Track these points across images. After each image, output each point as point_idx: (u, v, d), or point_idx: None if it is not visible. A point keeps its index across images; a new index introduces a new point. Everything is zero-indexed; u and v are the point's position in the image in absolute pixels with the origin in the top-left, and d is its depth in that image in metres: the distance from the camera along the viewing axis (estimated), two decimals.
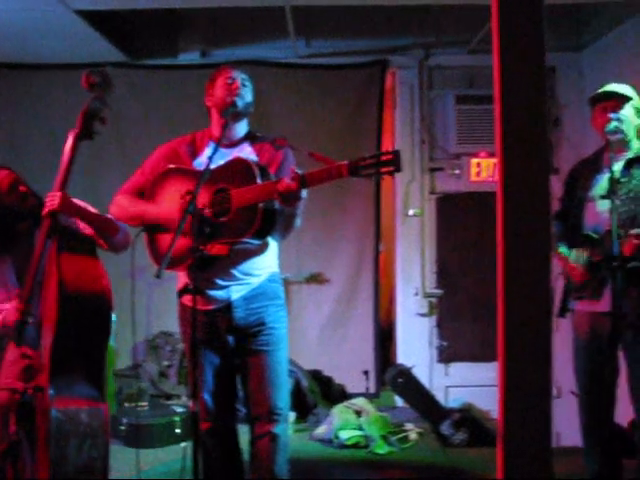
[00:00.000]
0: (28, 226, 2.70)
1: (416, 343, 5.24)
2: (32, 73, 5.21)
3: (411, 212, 5.26)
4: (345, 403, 4.47)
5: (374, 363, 5.23)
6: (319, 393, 4.90)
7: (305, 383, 4.77)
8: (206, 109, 2.76)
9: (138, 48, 5.21)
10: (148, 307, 4.90)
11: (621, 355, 2.91)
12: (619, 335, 2.81)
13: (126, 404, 4.50)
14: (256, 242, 2.54)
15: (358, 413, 4.32)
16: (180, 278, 2.67)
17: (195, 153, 2.70)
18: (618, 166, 2.90)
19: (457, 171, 5.21)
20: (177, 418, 4.22)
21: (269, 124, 4.77)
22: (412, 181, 5.24)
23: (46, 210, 2.53)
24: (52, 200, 2.54)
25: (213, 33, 5.29)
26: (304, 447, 4.13)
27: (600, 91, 3.01)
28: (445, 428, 4.31)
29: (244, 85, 2.68)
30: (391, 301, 5.66)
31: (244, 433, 2.75)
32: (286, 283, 3.32)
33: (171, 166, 2.66)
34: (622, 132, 2.93)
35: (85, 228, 2.72)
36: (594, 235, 2.92)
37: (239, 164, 2.50)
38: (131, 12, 4.72)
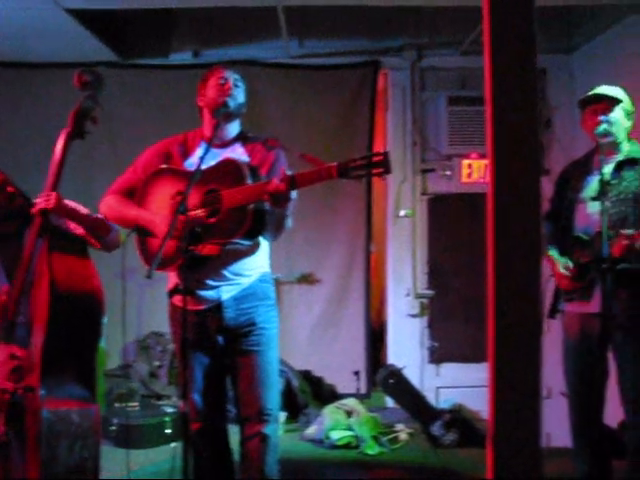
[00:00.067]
0: (17, 226, 2.69)
1: (407, 344, 5.25)
2: (24, 72, 5.17)
3: (402, 213, 5.26)
4: (336, 403, 4.47)
5: (365, 364, 5.23)
6: (310, 393, 4.90)
7: (296, 383, 4.77)
8: (198, 109, 2.75)
9: (130, 48, 5.19)
10: (139, 307, 4.88)
11: (611, 356, 2.93)
12: (609, 336, 2.83)
13: (116, 404, 4.49)
14: (247, 243, 2.54)
15: (349, 413, 4.33)
16: (170, 278, 2.67)
17: (187, 153, 2.70)
18: (608, 168, 2.91)
19: (448, 172, 5.23)
20: (167, 418, 4.22)
21: (261, 124, 4.75)
22: (404, 182, 5.25)
23: (38, 208, 2.52)
24: (47, 199, 2.53)
25: (205, 33, 5.27)
26: (295, 447, 4.13)
27: (590, 93, 3.01)
28: (436, 429, 4.32)
29: (236, 85, 2.68)
30: (382, 302, 5.67)
31: (234, 433, 2.74)
32: (277, 283, 3.32)
33: (163, 166, 2.66)
34: (612, 135, 2.94)
35: (76, 228, 2.72)
36: (584, 237, 2.93)
37: (229, 165, 2.50)
38: (123, 12, 4.72)
